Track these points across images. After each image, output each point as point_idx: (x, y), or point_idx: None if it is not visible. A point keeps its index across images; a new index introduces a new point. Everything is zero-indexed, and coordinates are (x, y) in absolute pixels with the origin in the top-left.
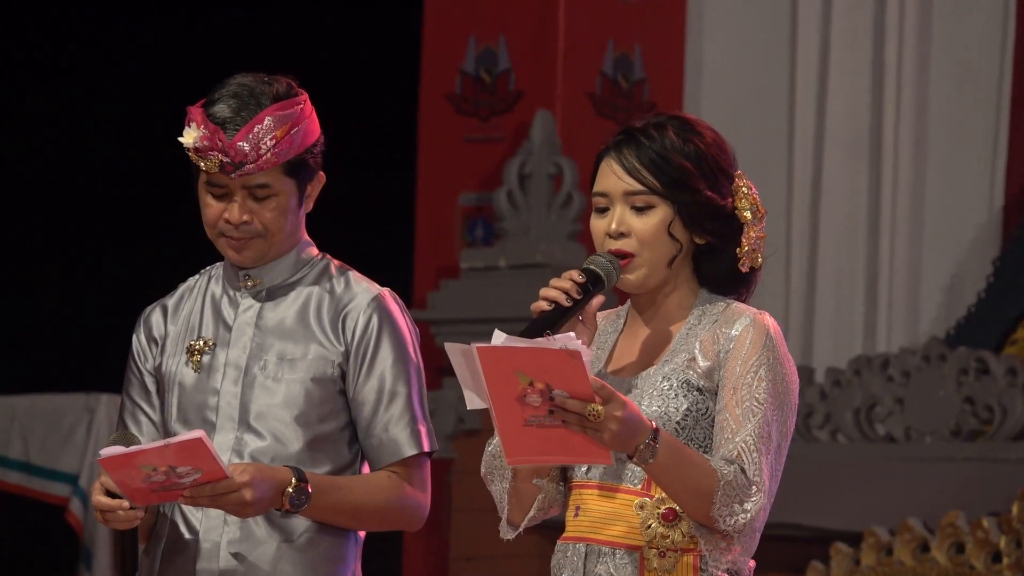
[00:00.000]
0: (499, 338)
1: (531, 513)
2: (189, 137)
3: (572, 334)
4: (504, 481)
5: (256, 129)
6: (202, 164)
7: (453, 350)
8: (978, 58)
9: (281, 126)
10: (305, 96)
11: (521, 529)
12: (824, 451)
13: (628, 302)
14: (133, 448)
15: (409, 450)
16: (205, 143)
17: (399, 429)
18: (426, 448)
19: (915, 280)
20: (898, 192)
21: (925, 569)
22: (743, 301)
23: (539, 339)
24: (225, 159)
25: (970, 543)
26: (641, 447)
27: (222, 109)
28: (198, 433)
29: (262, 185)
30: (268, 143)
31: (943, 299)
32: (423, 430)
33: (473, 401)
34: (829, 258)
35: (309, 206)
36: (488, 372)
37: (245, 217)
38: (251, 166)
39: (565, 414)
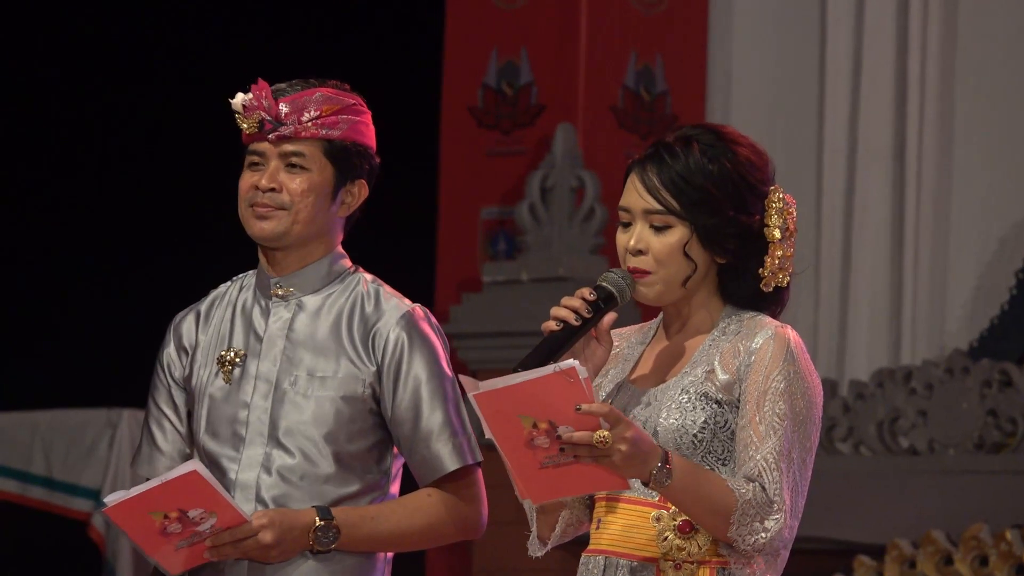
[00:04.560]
0: (490, 383)
1: (557, 530)
2: (239, 97)
3: (571, 360)
4: None
5: (304, 99)
6: (244, 125)
7: (465, 384)
8: (1005, 68)
9: (330, 104)
10: (363, 103)
11: (550, 546)
12: (847, 464)
13: (660, 315)
14: (134, 491)
15: (452, 464)
16: (253, 102)
17: (440, 444)
18: (469, 460)
19: (940, 292)
20: (922, 203)
21: None
22: (774, 316)
23: (534, 370)
24: (266, 117)
25: (994, 555)
26: (655, 471)
27: (280, 84)
28: (192, 465)
29: (297, 153)
30: (312, 112)
31: (968, 311)
32: (464, 443)
33: (489, 431)
34: (858, 270)
35: (345, 212)
36: (489, 418)
37: (273, 184)
38: (289, 128)
39: (575, 448)
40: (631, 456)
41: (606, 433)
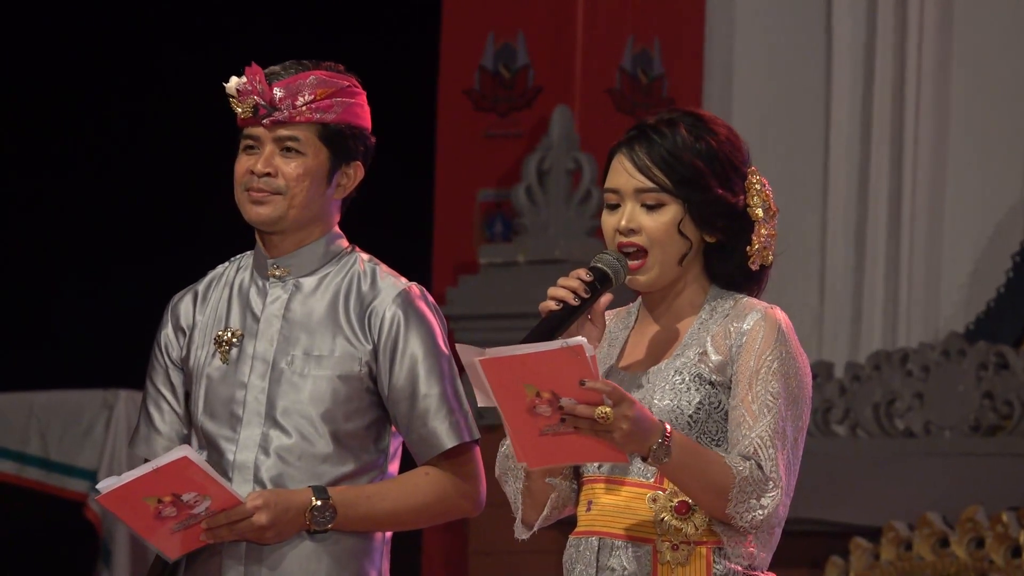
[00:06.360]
0: (497, 351)
1: (545, 512)
2: (234, 81)
3: (580, 337)
4: (518, 481)
5: (298, 83)
6: (239, 110)
7: (464, 351)
8: (1002, 53)
9: (324, 88)
10: (357, 84)
11: (535, 529)
12: (843, 446)
13: (639, 299)
14: (125, 477)
15: (449, 442)
16: (247, 86)
17: (437, 422)
18: (466, 438)
19: (936, 274)
20: (918, 186)
21: (945, 564)
22: (755, 297)
23: (542, 343)
24: (261, 102)
25: (989, 537)
26: (655, 447)
27: (274, 67)
28: (182, 451)
29: (292, 138)
30: (306, 96)
31: (965, 294)
32: (462, 420)
33: (484, 399)
34: (867, 250)
35: (341, 194)
36: (495, 384)
37: (268, 169)
38: (283, 113)
39: (576, 420)
40: (631, 434)
41: (608, 410)
